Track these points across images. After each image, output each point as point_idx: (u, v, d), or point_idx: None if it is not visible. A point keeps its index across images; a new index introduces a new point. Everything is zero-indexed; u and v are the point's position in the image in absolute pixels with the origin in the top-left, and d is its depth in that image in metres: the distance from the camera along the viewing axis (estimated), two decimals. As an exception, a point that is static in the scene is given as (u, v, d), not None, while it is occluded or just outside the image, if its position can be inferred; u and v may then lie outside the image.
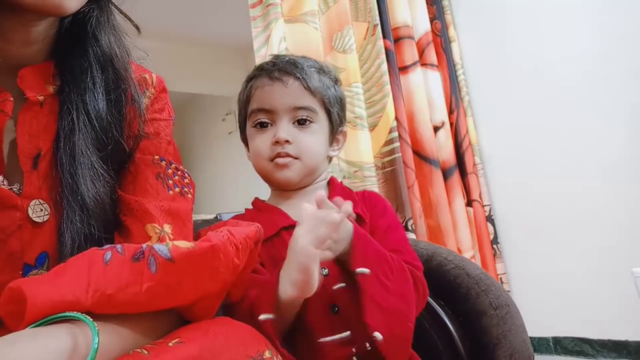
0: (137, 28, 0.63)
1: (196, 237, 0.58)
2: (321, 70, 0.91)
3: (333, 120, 0.91)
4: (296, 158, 0.85)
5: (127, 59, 0.63)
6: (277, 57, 0.94)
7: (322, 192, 0.73)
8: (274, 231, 0.82)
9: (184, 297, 0.48)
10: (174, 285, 0.46)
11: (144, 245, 0.47)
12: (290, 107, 0.85)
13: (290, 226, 0.83)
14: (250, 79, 0.91)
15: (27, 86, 0.53)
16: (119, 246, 0.47)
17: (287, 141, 0.84)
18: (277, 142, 0.84)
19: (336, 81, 0.93)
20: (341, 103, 0.93)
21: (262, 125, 0.87)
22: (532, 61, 1.89)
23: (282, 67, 0.88)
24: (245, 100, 0.91)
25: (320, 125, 0.88)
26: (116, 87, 0.59)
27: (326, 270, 0.78)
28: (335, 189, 0.92)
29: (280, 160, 0.84)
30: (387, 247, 0.80)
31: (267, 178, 0.89)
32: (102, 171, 0.55)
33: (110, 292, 0.43)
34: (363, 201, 0.90)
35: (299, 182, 0.87)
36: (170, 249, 0.46)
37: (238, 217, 0.91)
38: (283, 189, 0.90)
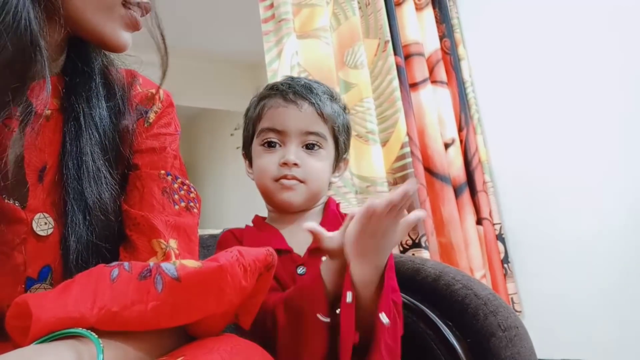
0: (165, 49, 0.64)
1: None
2: (332, 97, 0.92)
3: (339, 148, 0.92)
4: (302, 182, 0.86)
5: (131, 73, 0.64)
6: (292, 79, 0.95)
7: (313, 223, 0.73)
8: None
9: (189, 316, 0.47)
10: (179, 305, 0.45)
11: (151, 264, 0.46)
12: (302, 131, 0.86)
13: (285, 251, 0.84)
14: (263, 97, 0.91)
15: (37, 99, 0.53)
16: (126, 264, 0.46)
17: (295, 164, 0.84)
18: (285, 164, 0.84)
19: (345, 109, 0.95)
20: (348, 131, 0.95)
21: (270, 145, 0.87)
22: (542, 79, 1.88)
23: (297, 91, 0.88)
24: (255, 118, 0.91)
25: (327, 152, 0.89)
26: (117, 97, 0.60)
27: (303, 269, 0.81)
28: (328, 214, 0.91)
29: (286, 182, 0.85)
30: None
31: (268, 197, 0.89)
32: (107, 176, 0.56)
33: (116, 309, 0.43)
34: None
35: (300, 205, 0.88)
36: (178, 267, 0.46)
37: (236, 231, 0.92)
38: (281, 211, 0.90)
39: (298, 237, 0.86)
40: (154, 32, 0.61)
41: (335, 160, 0.92)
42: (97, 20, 0.54)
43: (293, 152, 0.85)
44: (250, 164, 0.94)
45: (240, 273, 0.50)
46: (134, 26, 0.58)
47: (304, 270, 0.82)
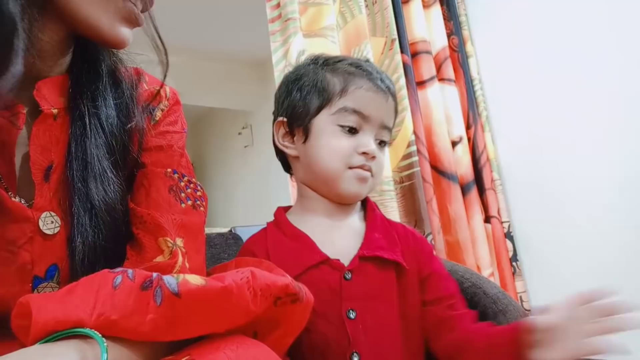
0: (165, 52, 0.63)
1: (222, 268, 0.58)
2: None
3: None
4: (372, 176, 0.81)
5: (137, 71, 0.64)
6: (367, 60, 0.87)
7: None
8: (299, 270, 0.74)
9: (187, 332, 0.46)
10: (177, 320, 0.44)
11: (155, 274, 0.45)
12: (382, 123, 0.81)
13: (322, 262, 0.76)
14: (348, 72, 0.81)
15: (43, 98, 0.53)
16: (130, 271, 0.46)
17: (373, 157, 0.79)
18: (365, 154, 0.78)
19: None
20: None
21: (350, 130, 0.79)
22: (550, 77, 1.87)
23: (385, 79, 0.82)
24: (337, 91, 0.80)
25: (387, 148, 0.86)
26: (124, 96, 0.60)
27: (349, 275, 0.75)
28: (375, 219, 0.84)
29: (362, 173, 0.79)
30: (442, 294, 0.79)
31: (331, 183, 0.80)
32: (112, 176, 0.55)
33: (115, 317, 0.42)
34: (404, 241, 0.83)
35: (363, 197, 0.84)
36: (179, 283, 0.45)
37: (259, 239, 0.83)
38: (335, 201, 0.82)
39: (332, 235, 0.80)
40: (150, 31, 0.59)
41: None
42: (92, 13, 0.52)
43: (373, 142, 0.80)
44: (288, 135, 0.84)
45: (249, 296, 0.48)
46: (133, 21, 0.56)
47: (350, 276, 0.75)
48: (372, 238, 0.79)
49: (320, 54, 0.88)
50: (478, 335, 0.73)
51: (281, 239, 0.81)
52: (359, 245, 0.78)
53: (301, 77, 0.84)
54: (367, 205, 0.87)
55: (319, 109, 0.80)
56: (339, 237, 0.80)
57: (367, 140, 0.79)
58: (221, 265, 0.63)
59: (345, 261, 0.76)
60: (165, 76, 0.63)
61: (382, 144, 0.83)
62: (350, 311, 0.72)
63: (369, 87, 0.79)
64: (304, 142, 0.81)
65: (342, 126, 0.78)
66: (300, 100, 0.82)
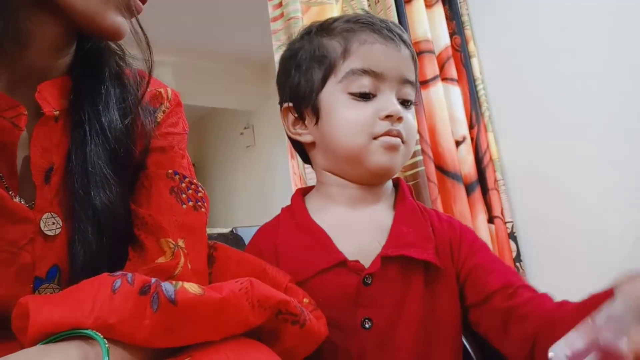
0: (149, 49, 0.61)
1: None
2: None
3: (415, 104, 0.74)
4: (403, 142, 0.68)
5: (140, 73, 0.63)
6: (369, 14, 0.74)
7: None
8: (311, 272, 0.65)
9: (183, 340, 0.45)
10: (172, 328, 0.44)
11: (153, 280, 0.45)
12: (402, 77, 0.68)
13: (338, 264, 0.65)
14: (344, 30, 0.69)
15: (44, 100, 0.53)
16: (129, 275, 0.45)
17: (399, 118, 0.66)
18: (388, 117, 0.66)
19: None
20: None
21: (363, 96, 0.67)
22: (553, 77, 1.86)
23: (392, 28, 0.70)
24: (338, 55, 0.68)
25: (413, 108, 0.72)
26: (129, 99, 0.59)
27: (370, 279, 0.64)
28: (405, 208, 0.71)
29: (391, 140, 0.66)
30: (493, 287, 0.66)
31: (355, 161, 0.68)
32: (114, 182, 0.55)
33: (112, 321, 0.42)
34: (440, 234, 0.70)
35: (397, 171, 0.71)
36: (177, 290, 0.45)
37: (270, 229, 0.75)
38: (366, 182, 0.71)
39: (352, 229, 0.69)
40: (135, 28, 0.57)
41: None
42: (86, 1, 0.50)
43: (395, 102, 0.67)
44: (298, 120, 0.74)
45: (247, 307, 0.48)
46: (129, 9, 0.54)
47: (371, 281, 0.65)
48: (399, 233, 0.68)
49: (312, 22, 0.76)
50: (562, 310, 0.61)
51: (293, 232, 0.71)
52: (384, 241, 0.67)
53: (297, 53, 0.74)
54: (398, 190, 0.75)
55: (323, 81, 0.70)
56: (361, 232, 0.69)
57: (388, 101, 0.67)
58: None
59: (367, 261, 0.66)
60: (150, 71, 0.61)
61: (406, 103, 0.70)
62: (366, 320, 0.64)
63: (375, 39, 0.68)
64: (316, 123, 0.71)
65: (353, 94, 0.67)
66: (302, 77, 0.72)
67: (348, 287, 0.64)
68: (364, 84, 0.67)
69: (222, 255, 0.63)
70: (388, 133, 0.66)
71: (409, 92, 0.70)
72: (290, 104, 0.74)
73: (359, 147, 0.67)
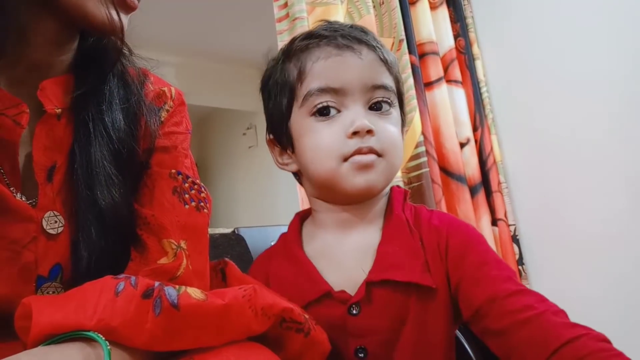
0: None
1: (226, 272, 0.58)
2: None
3: (403, 106, 0.70)
4: (380, 155, 0.63)
5: (143, 72, 0.63)
6: (330, 22, 0.70)
7: None
8: (299, 305, 0.59)
9: (184, 345, 0.45)
10: (174, 332, 0.44)
11: (157, 284, 0.45)
12: (367, 85, 0.63)
13: (324, 296, 0.62)
14: (300, 50, 0.66)
15: (46, 98, 0.53)
16: (133, 278, 0.45)
17: (369, 131, 0.62)
18: (355, 134, 0.61)
19: None
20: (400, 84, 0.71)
21: (324, 113, 0.63)
22: (557, 80, 1.86)
23: (348, 33, 0.65)
24: (294, 80, 0.65)
25: (397, 112, 0.67)
26: (133, 99, 0.59)
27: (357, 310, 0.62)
28: (391, 224, 0.66)
29: (362, 159, 0.62)
30: (480, 300, 0.60)
31: (334, 187, 0.64)
32: (118, 182, 0.55)
33: (115, 324, 0.42)
34: (430, 245, 0.64)
35: (381, 189, 0.67)
36: (180, 295, 0.45)
37: (264, 260, 0.73)
38: (356, 202, 0.67)
39: (339, 256, 0.66)
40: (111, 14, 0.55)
41: (401, 124, 0.69)
42: None
43: (363, 115, 0.62)
44: (283, 151, 0.71)
45: (250, 314, 0.48)
46: (123, 5, 0.53)
47: (358, 310, 0.62)
48: (384, 254, 0.64)
49: (290, 40, 0.72)
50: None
51: (283, 264, 0.69)
52: (370, 266, 0.63)
53: (268, 80, 0.71)
54: (389, 197, 0.71)
55: (288, 109, 0.67)
56: (348, 259, 0.66)
57: (352, 116, 0.62)
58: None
59: (353, 289, 0.63)
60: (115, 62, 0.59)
61: (380, 107, 0.65)
62: (359, 350, 0.61)
63: (328, 53, 0.64)
64: (293, 151, 0.69)
65: (315, 115, 0.64)
66: (273, 106, 0.70)
67: (336, 318, 0.62)
68: (323, 100, 0.63)
69: (229, 273, 0.63)
70: (358, 152, 0.62)
71: (382, 95, 0.65)
72: (271, 136, 0.73)
73: (331, 172, 0.63)
